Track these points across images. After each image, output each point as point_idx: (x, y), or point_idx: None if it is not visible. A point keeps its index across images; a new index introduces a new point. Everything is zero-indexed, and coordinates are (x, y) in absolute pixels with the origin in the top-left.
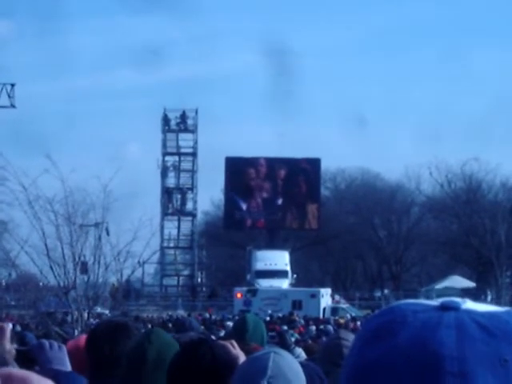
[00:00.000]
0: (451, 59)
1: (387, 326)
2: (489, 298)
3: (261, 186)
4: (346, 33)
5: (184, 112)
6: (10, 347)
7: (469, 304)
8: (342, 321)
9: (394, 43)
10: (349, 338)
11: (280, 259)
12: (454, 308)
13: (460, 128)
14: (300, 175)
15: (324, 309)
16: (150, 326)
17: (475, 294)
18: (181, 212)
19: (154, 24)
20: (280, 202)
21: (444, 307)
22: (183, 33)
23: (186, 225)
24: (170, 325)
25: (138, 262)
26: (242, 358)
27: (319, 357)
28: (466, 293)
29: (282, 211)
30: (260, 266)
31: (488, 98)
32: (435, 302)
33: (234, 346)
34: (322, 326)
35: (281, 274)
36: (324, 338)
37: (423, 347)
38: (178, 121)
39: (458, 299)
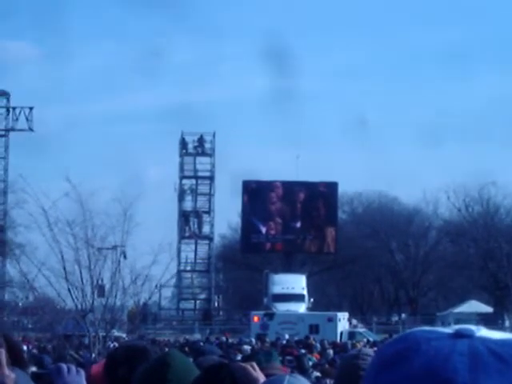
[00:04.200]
0: (466, 80)
1: (401, 354)
2: (507, 323)
3: (279, 210)
4: (359, 53)
5: (201, 136)
6: (9, 373)
7: (483, 331)
8: (359, 345)
9: (408, 66)
10: (366, 357)
11: (297, 283)
12: (468, 335)
13: (479, 152)
14: (318, 199)
15: (341, 333)
16: (166, 349)
17: (492, 319)
18: (198, 235)
19: (172, 47)
20: (299, 225)
21: (458, 335)
22: (199, 57)
23: (203, 248)
24: (187, 349)
25: (156, 285)
26: (261, 380)
27: (336, 376)
28: (483, 318)
29: (301, 235)
30: (277, 289)
31: (508, 120)
32: (449, 330)
33: (254, 369)
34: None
35: (298, 297)
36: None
37: (437, 375)
38: (196, 144)
39: (472, 327)
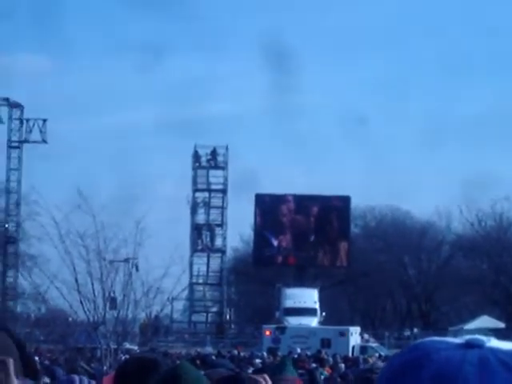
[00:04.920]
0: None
1: (412, 363)
2: None
3: (292, 223)
4: (366, 66)
5: (214, 149)
6: (18, 383)
7: (493, 342)
8: (370, 360)
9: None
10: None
11: (309, 297)
12: (478, 346)
13: (491, 166)
14: (331, 213)
15: (353, 347)
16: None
17: (505, 335)
18: (210, 248)
19: (182, 63)
20: (312, 238)
21: (468, 345)
22: (210, 71)
23: (215, 261)
24: (198, 361)
25: (168, 298)
26: None
27: None
28: (495, 333)
29: (314, 248)
30: (289, 303)
31: None
32: (460, 340)
33: (266, 381)
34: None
35: (310, 311)
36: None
37: None
38: (209, 157)
39: (482, 337)
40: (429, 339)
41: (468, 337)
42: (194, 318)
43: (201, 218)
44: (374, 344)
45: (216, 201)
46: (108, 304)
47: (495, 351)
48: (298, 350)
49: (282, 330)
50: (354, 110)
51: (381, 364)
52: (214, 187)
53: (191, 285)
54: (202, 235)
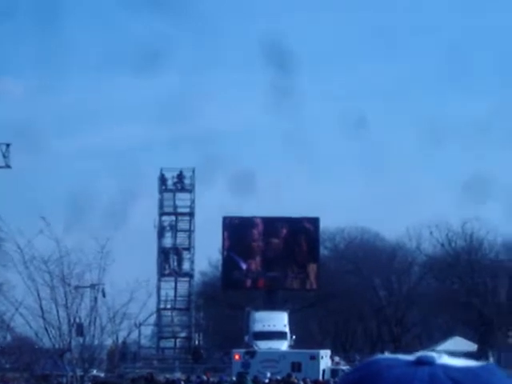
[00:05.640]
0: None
1: (363, 381)
2: (491, 359)
3: (260, 246)
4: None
5: (181, 172)
6: None
7: (444, 358)
8: None
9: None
10: None
11: (279, 320)
12: (429, 363)
13: (462, 186)
14: (300, 234)
15: (323, 371)
16: None
17: (477, 357)
18: (178, 272)
19: (147, 83)
20: (280, 261)
21: (419, 362)
22: (178, 91)
23: (183, 285)
24: None
25: (135, 323)
26: None
27: None
28: (467, 356)
29: (283, 271)
30: (258, 327)
31: (491, 158)
32: (411, 357)
33: None
34: None
35: (279, 335)
36: None
37: None
38: (175, 180)
39: (433, 354)
40: (381, 356)
41: (419, 353)
42: (162, 343)
43: (168, 241)
44: (344, 367)
45: (183, 224)
46: (74, 330)
47: (446, 368)
48: (268, 375)
49: (252, 354)
50: (327, 133)
51: None
52: (180, 210)
53: (159, 310)
54: (170, 259)
